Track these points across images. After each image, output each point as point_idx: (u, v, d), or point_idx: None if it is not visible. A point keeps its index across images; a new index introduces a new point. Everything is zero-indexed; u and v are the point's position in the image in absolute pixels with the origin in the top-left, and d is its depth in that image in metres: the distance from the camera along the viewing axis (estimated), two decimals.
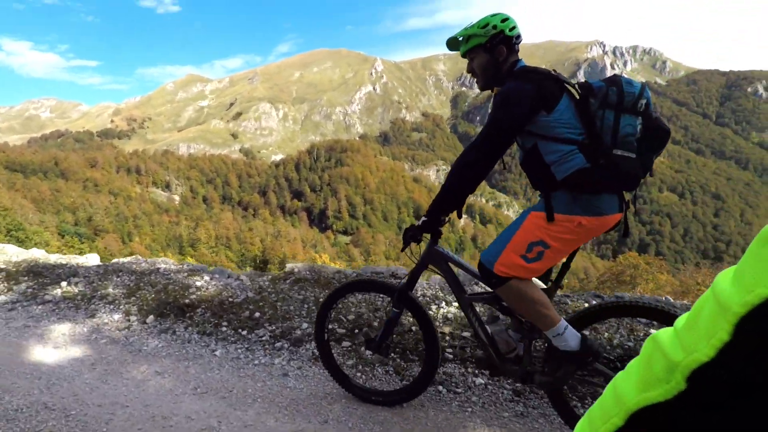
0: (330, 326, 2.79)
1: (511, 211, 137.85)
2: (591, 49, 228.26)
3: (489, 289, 2.14)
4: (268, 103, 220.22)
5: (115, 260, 5.22)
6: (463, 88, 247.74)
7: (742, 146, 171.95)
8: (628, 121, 1.80)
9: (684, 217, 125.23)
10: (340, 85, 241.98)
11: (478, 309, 2.40)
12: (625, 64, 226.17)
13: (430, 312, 3.39)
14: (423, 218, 2.07)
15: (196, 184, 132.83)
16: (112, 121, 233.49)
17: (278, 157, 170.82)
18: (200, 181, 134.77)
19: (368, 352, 2.79)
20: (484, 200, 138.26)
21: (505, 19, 1.99)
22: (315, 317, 2.72)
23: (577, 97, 1.85)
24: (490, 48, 1.99)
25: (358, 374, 2.73)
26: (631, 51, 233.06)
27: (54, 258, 5.31)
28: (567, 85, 1.88)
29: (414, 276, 2.30)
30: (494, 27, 1.97)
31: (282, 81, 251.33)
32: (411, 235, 2.08)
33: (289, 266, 4.59)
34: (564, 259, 2.04)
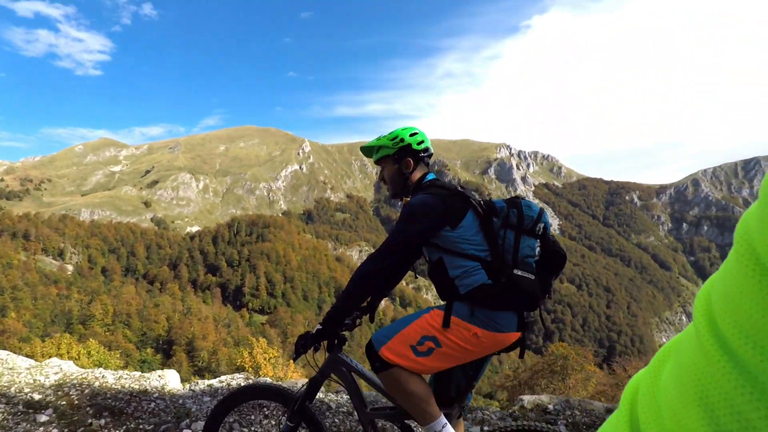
0: None
1: (430, 295, 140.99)
2: (500, 150, 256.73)
3: (392, 404, 2.05)
4: (189, 173, 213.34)
5: None
6: None
7: (624, 246, 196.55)
8: (528, 242, 1.85)
9: (582, 307, 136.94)
10: (266, 162, 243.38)
11: (379, 425, 2.23)
12: (528, 166, 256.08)
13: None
14: (318, 326, 1.95)
15: (96, 254, 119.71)
16: (2, 180, 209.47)
17: (194, 229, 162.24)
18: (101, 251, 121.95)
19: None
20: (404, 282, 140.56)
21: (414, 134, 2.10)
22: None
23: (482, 214, 1.89)
24: (398, 159, 2.09)
25: None
26: (533, 155, 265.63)
27: None
28: (473, 202, 1.90)
29: (313, 386, 2.11)
30: (402, 140, 2.07)
31: (206, 153, 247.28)
32: (302, 344, 1.92)
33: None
34: (463, 375, 2.00)
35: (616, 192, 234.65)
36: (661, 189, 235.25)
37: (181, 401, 3.48)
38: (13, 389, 3.43)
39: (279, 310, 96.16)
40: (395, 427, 2.07)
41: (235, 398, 2.28)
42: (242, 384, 3.48)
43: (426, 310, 1.91)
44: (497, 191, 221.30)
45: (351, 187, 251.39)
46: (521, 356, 2.00)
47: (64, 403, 3.14)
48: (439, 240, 1.89)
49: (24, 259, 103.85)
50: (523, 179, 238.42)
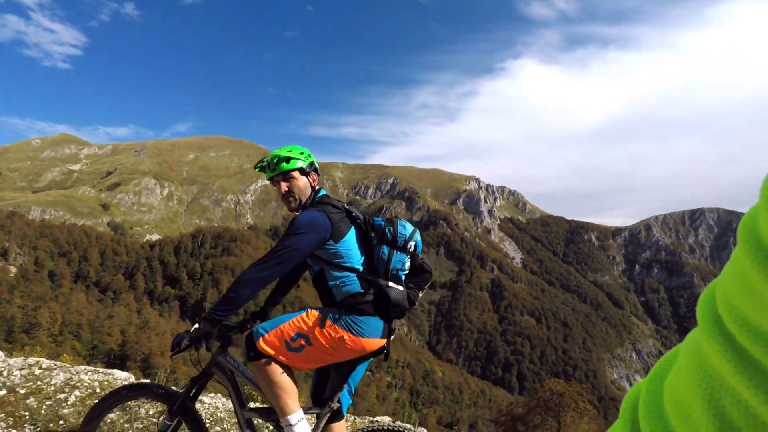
0: None
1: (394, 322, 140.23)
2: (470, 182, 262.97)
3: (269, 404, 2.17)
4: (154, 178, 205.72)
5: None
6: (357, 197, 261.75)
7: (582, 283, 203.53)
8: (399, 257, 2.12)
9: (540, 340, 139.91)
10: (236, 174, 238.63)
11: (256, 423, 2.36)
12: (495, 200, 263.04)
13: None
14: (196, 325, 2.04)
15: (44, 256, 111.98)
16: None
17: (155, 237, 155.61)
18: (50, 253, 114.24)
19: None
20: None
21: (303, 152, 2.27)
22: None
23: (363, 230, 2.18)
24: (308, 173, 2.24)
25: None
26: (500, 190, 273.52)
27: None
28: (356, 220, 2.19)
29: (194, 385, 2.21)
30: (310, 155, 2.26)
31: (173, 159, 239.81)
32: (177, 342, 2.01)
33: None
34: (336, 377, 2.21)
35: (576, 230, 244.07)
36: (617, 231, 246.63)
37: None
38: None
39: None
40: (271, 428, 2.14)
41: (116, 397, 2.30)
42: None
43: (304, 309, 2.12)
44: (464, 221, 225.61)
45: None
46: (385, 358, 2.24)
47: None
48: (321, 252, 2.12)
49: None
50: (490, 212, 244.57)
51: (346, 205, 2.25)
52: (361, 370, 2.26)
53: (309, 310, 2.12)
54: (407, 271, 2.16)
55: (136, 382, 2.64)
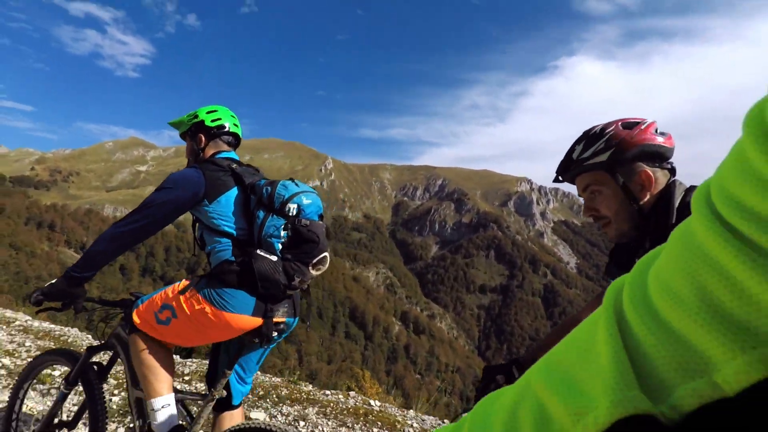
0: (26, 409, 2.58)
1: (444, 323, 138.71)
2: (521, 184, 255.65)
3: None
4: None
5: None
6: (405, 198, 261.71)
7: None
8: (273, 222, 1.80)
9: None
10: (288, 175, 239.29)
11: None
12: (548, 202, 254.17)
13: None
14: (57, 279, 1.81)
15: None
16: (32, 169, 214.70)
17: None
18: None
19: None
20: (419, 309, 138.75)
21: (212, 111, 2.11)
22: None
23: (246, 194, 1.91)
24: (191, 135, 2.12)
25: None
26: (553, 192, 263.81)
27: None
28: (242, 180, 1.91)
29: (91, 354, 2.09)
30: (196, 116, 2.10)
31: None
32: (29, 295, 1.86)
33: None
34: (225, 360, 2.02)
35: None
36: None
37: None
38: None
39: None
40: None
41: (34, 364, 2.33)
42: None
43: (179, 281, 1.90)
44: (516, 224, 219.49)
45: (369, 207, 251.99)
46: (261, 345, 1.96)
47: None
48: (199, 214, 1.90)
49: (47, 249, 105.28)
50: (543, 214, 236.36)
51: (234, 165, 1.98)
52: (253, 357, 2.02)
53: (180, 281, 1.88)
54: (283, 239, 1.81)
55: (50, 349, 2.58)
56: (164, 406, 1.79)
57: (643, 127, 1.20)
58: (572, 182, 1.31)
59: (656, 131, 1.20)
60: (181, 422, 1.85)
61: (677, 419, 0.23)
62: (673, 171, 1.23)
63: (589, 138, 1.24)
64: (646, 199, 1.19)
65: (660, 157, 1.20)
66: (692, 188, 1.18)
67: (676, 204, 1.15)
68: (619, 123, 1.23)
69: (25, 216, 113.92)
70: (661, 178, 1.20)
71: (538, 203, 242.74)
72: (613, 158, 1.19)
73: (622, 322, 0.27)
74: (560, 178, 1.32)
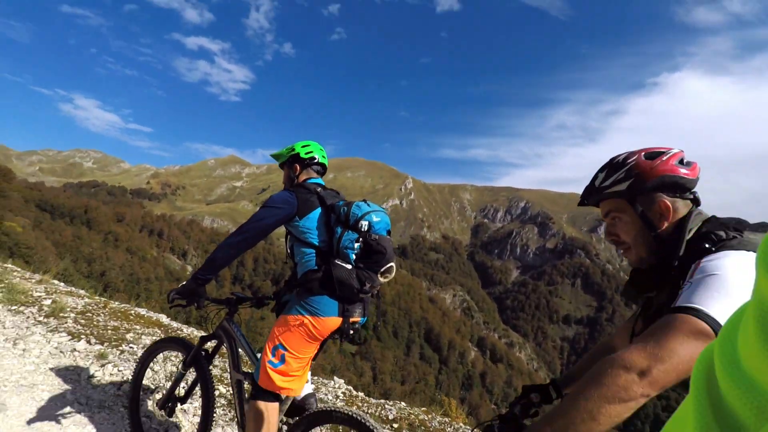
0: (145, 382, 3.16)
1: (523, 354, 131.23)
2: None
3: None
4: None
5: None
6: (485, 220, 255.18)
7: None
8: (349, 236, 2.17)
9: None
10: (369, 193, 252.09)
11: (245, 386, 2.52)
12: None
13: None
14: (185, 283, 2.29)
15: None
16: (148, 183, 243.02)
17: None
18: None
19: (159, 411, 2.83)
20: (496, 336, 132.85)
21: (305, 146, 2.57)
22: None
23: (328, 212, 2.31)
24: (288, 164, 2.57)
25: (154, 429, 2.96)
26: None
27: None
28: (325, 201, 2.32)
29: (204, 342, 2.54)
30: (293, 150, 2.55)
31: None
32: (168, 295, 2.30)
33: None
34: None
35: None
36: None
37: None
38: None
39: (370, 343, 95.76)
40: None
41: (153, 348, 2.79)
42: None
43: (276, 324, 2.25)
44: (606, 252, 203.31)
45: (448, 227, 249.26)
46: (340, 341, 2.29)
47: None
48: (292, 228, 2.30)
49: (155, 254, 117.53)
50: None
51: (319, 189, 2.38)
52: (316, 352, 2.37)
53: (274, 327, 2.23)
54: (357, 251, 2.18)
55: (171, 336, 3.18)
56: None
57: (665, 157, 1.21)
58: (597, 206, 1.35)
59: (681, 161, 1.22)
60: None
61: None
62: (696, 201, 1.25)
63: (611, 167, 1.27)
64: (664, 228, 1.22)
65: (681, 187, 1.21)
66: (713, 219, 1.19)
67: (689, 235, 1.17)
68: (642, 153, 1.25)
69: (140, 224, 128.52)
70: (681, 207, 1.22)
71: None
72: (632, 188, 1.22)
73: (714, 395, 0.29)
74: (585, 202, 1.36)
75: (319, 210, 2.31)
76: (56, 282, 6.67)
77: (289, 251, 2.39)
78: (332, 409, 2.14)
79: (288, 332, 2.14)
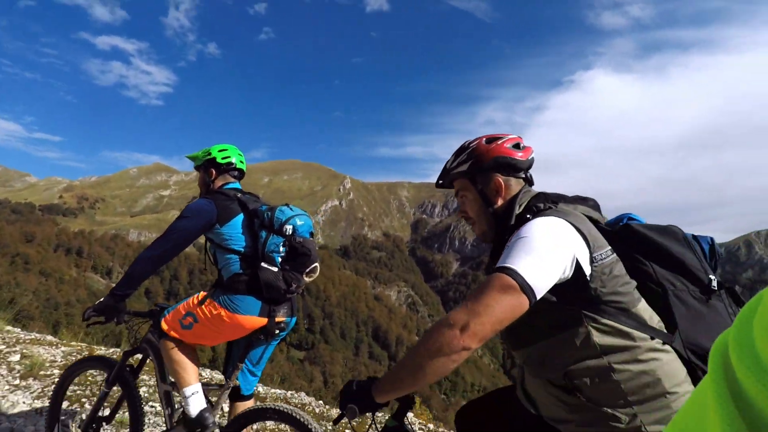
0: (64, 404, 2.99)
1: None
2: None
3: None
4: None
5: None
6: (424, 216, 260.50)
7: None
8: (274, 240, 2.26)
9: None
10: (307, 196, 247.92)
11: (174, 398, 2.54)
12: None
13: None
14: (102, 299, 2.29)
15: None
16: (60, 197, 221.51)
17: None
18: None
19: None
20: None
21: (223, 150, 2.56)
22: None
23: (250, 217, 2.37)
24: (204, 168, 2.57)
25: None
26: None
27: None
28: (246, 207, 2.37)
29: (127, 357, 2.50)
30: (209, 154, 2.54)
31: (249, 183, 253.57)
32: (84, 313, 2.28)
33: None
34: (236, 355, 2.41)
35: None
36: None
37: None
38: None
39: (318, 347, 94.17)
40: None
41: (72, 369, 2.68)
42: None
43: (197, 293, 2.38)
44: None
45: (388, 225, 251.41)
46: (266, 340, 2.39)
47: None
48: (212, 236, 2.34)
49: (75, 275, 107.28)
50: None
51: (239, 194, 2.43)
52: (257, 352, 2.44)
53: (198, 294, 2.35)
54: (283, 254, 2.28)
55: (86, 357, 3.01)
56: (194, 393, 2.25)
57: (500, 141, 1.39)
58: (451, 187, 1.51)
59: (517, 146, 1.40)
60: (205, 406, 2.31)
61: None
62: (528, 180, 1.44)
63: (459, 150, 1.45)
64: (499, 204, 1.39)
65: (513, 168, 1.38)
66: (540, 194, 1.37)
67: (519, 210, 1.32)
68: (484, 138, 1.43)
69: (54, 243, 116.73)
70: (514, 185, 1.40)
71: None
72: (472, 167, 1.39)
73: (732, 383, 0.28)
74: (441, 183, 1.52)
75: (241, 216, 2.36)
76: None
77: (211, 258, 2.42)
78: (268, 406, 2.15)
79: (203, 311, 2.23)
